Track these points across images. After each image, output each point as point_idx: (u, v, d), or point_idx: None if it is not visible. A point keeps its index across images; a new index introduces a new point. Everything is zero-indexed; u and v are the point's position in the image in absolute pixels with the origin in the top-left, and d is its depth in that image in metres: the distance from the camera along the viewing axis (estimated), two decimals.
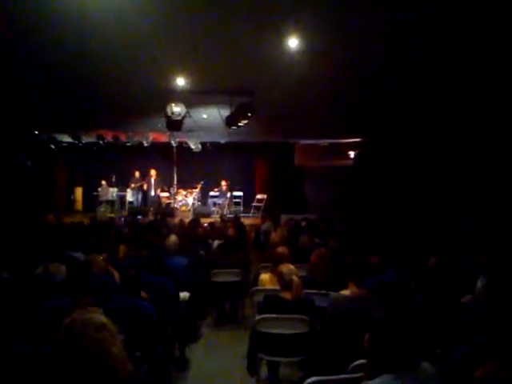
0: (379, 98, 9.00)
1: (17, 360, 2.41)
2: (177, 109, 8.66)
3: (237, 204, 16.91)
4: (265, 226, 10.73)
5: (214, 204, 16.44)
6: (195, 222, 10.58)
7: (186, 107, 8.83)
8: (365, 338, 2.32)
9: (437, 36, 5.56)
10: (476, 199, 8.64)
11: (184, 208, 15.70)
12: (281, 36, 5.55)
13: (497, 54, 5.99)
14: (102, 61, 6.73)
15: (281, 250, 5.33)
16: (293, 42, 5.67)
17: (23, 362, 2.41)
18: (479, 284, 3.74)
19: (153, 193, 16.12)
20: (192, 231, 8.92)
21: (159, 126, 11.15)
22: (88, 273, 4.48)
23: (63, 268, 4.01)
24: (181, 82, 7.67)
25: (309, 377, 2.87)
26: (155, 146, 15.49)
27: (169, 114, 8.71)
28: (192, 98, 8.65)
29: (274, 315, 4.12)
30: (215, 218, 13.30)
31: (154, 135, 14.33)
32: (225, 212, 15.77)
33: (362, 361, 2.73)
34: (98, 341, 2.06)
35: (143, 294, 4.03)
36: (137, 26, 5.39)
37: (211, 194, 16.62)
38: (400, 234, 9.15)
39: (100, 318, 2.17)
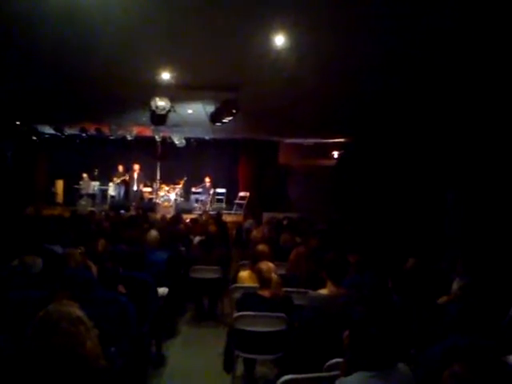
0: (364, 99, 9.06)
1: None
2: (161, 103, 8.61)
3: (219, 201, 16.87)
4: (247, 224, 10.73)
5: (197, 200, 16.41)
6: (177, 217, 10.54)
7: (171, 102, 8.78)
8: (344, 335, 2.35)
9: (424, 37, 5.60)
10: (456, 201, 8.75)
11: (166, 204, 15.61)
12: (267, 33, 5.55)
13: (481, 56, 6.07)
14: (86, 53, 6.65)
15: (261, 247, 5.34)
16: (279, 40, 5.68)
17: None
18: (455, 285, 3.78)
19: (135, 187, 16.02)
20: (173, 227, 8.88)
21: (144, 119, 11.07)
22: (65, 266, 4.43)
23: (39, 261, 3.96)
24: (166, 76, 7.61)
25: (284, 374, 2.88)
26: (139, 140, 15.40)
27: (153, 107, 8.66)
28: (177, 93, 8.60)
29: (251, 312, 4.12)
30: (197, 215, 13.27)
31: (138, 129, 14.23)
32: (207, 208, 15.76)
33: (338, 359, 2.75)
34: (72, 334, 2.04)
35: (121, 288, 4.00)
36: (122, 19, 5.34)
37: (194, 190, 16.58)
38: (380, 234, 9.23)
39: (75, 311, 2.15)
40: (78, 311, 2.16)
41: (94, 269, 4.51)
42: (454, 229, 8.61)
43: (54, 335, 2.01)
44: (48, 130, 14.44)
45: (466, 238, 8.04)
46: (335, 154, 16.57)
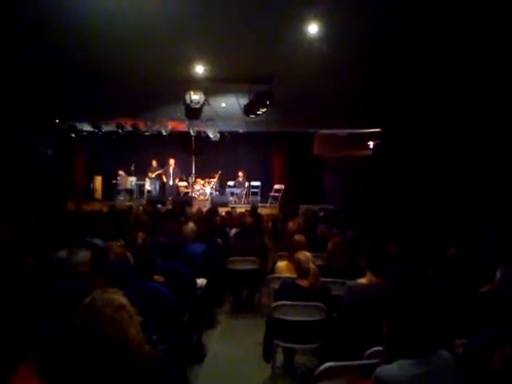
0: (400, 88, 8.89)
1: (42, 339, 2.43)
2: (195, 97, 8.67)
3: (254, 194, 16.90)
4: (282, 216, 10.71)
5: (232, 194, 16.50)
6: (213, 210, 10.61)
7: (205, 95, 8.83)
8: (383, 324, 2.31)
9: (460, 25, 5.44)
10: (498, 189, 8.50)
11: (202, 197, 15.80)
12: (301, 22, 5.50)
13: None
14: (121, 49, 6.75)
15: (298, 237, 5.34)
16: (313, 28, 5.61)
17: (48, 340, 2.43)
18: (498, 274, 3.68)
19: (171, 182, 16.22)
20: (210, 219, 8.95)
21: (178, 114, 11.18)
22: (105, 258, 4.53)
23: (88, 253, 4.04)
24: (200, 69, 7.66)
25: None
26: (174, 135, 15.55)
27: (188, 101, 8.73)
28: (211, 86, 8.65)
29: (290, 302, 4.12)
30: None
31: (172, 124, 14.38)
32: (242, 202, 15.85)
33: (378, 348, 2.72)
34: (116, 321, 2.08)
35: (159, 278, 4.06)
36: (156, 13, 5.38)
37: (229, 183, 16.68)
38: (420, 223, 9.05)
39: (119, 298, 2.19)
40: (121, 298, 2.20)
41: (133, 260, 4.61)
42: (496, 217, 8.36)
43: (98, 322, 2.06)
44: (86, 127, 14.77)
45: (509, 226, 7.80)
46: (371, 144, 16.30)
